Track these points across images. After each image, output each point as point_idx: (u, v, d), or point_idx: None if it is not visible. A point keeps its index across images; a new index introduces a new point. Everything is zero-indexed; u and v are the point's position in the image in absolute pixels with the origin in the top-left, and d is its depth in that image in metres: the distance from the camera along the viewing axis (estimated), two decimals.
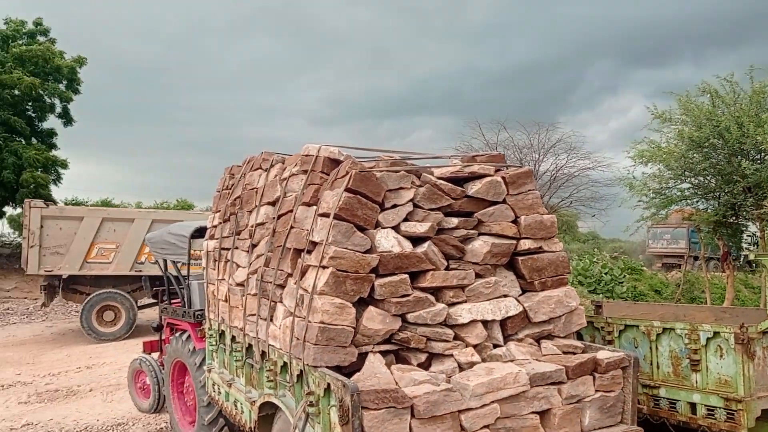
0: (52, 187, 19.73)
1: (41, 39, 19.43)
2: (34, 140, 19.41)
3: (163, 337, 7.82)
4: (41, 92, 18.71)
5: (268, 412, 4.31)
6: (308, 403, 3.38)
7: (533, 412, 3.42)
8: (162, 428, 7.19)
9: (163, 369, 7.23)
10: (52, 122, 20.25)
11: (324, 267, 3.44)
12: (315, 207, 3.73)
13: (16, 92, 16.78)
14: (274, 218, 4.27)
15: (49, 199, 20.32)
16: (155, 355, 7.91)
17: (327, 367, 3.32)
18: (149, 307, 14.98)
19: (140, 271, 13.33)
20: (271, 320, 4.08)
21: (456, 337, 3.65)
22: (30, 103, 18.81)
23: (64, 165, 19.83)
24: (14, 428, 7.53)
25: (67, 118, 20.17)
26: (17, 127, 17.81)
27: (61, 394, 9.10)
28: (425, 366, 3.57)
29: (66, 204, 23.76)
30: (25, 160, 17.50)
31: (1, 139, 18.23)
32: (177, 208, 26.74)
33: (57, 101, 19.69)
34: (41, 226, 12.43)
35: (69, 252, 12.68)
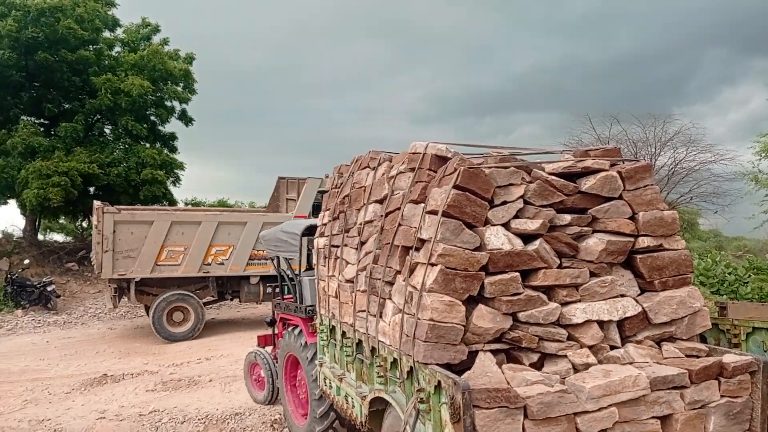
0: (172, 188, 20.85)
1: (156, 40, 20.49)
2: (157, 144, 20.60)
3: (276, 332, 8.10)
4: (161, 96, 19.80)
5: (378, 408, 4.36)
6: (419, 399, 3.39)
7: (654, 417, 3.25)
8: (276, 419, 7.45)
9: (277, 362, 7.49)
10: (173, 125, 21.40)
11: (433, 264, 3.43)
12: (423, 204, 3.73)
13: (132, 97, 17.66)
14: (382, 216, 4.30)
15: (169, 200, 21.59)
16: (269, 348, 8.21)
17: (437, 364, 3.31)
18: (211, 304, 15.68)
19: (207, 272, 13.76)
20: (381, 317, 4.12)
21: (570, 338, 3.54)
22: (152, 109, 19.93)
23: (181, 167, 20.89)
24: (143, 414, 8.05)
25: (186, 118, 21.24)
26: (139, 133, 18.89)
27: (184, 383, 9.63)
28: (537, 366, 3.49)
29: (186, 204, 25.17)
30: (142, 158, 18.52)
31: (125, 145, 19.50)
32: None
33: (176, 103, 20.74)
34: (114, 231, 12.74)
35: (140, 255, 12.99)
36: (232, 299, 15.42)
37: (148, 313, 14.11)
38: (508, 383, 3.17)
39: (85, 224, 17.40)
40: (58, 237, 24.19)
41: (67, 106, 18.70)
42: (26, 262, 18.55)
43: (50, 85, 18.22)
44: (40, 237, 20.77)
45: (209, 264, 13.65)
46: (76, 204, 16.90)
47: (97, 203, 13.21)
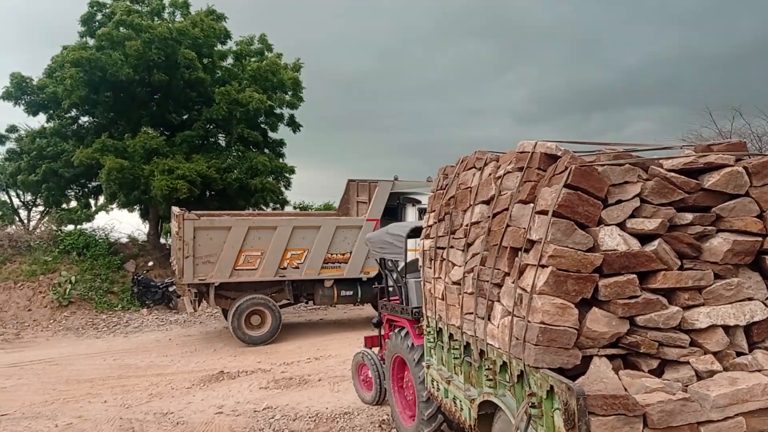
0: (284, 191, 21.63)
1: (269, 55, 21.34)
2: (267, 151, 21.44)
3: (383, 333, 8.18)
4: (271, 104, 20.60)
5: (487, 411, 4.30)
6: (530, 404, 3.31)
7: None
8: (384, 420, 7.52)
9: (384, 363, 7.56)
10: (281, 132, 22.19)
11: (543, 266, 3.35)
12: (532, 204, 3.64)
13: (247, 108, 18.47)
14: (489, 217, 4.24)
15: (282, 203, 22.37)
16: (376, 349, 8.30)
17: (549, 368, 3.22)
18: (285, 307, 15.60)
19: (283, 276, 13.84)
20: (489, 319, 4.06)
21: (692, 343, 3.34)
22: (263, 117, 20.76)
23: (291, 171, 21.62)
24: (257, 410, 8.37)
25: (294, 125, 21.98)
26: (254, 140, 19.75)
27: (294, 382, 9.92)
28: (657, 373, 3.32)
29: (294, 207, 25.98)
30: (254, 164, 19.32)
31: (238, 151, 20.41)
32: None
33: (285, 111, 21.51)
34: (194, 237, 13.04)
35: (219, 261, 13.20)
36: (306, 302, 15.58)
37: (226, 317, 14.47)
38: (626, 390, 3.04)
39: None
40: None
41: (185, 117, 19.85)
42: (150, 264, 19.82)
43: (170, 98, 19.40)
44: (162, 240, 22.09)
45: (285, 268, 13.82)
46: (197, 205, 17.85)
47: (176, 210, 13.64)
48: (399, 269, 7.62)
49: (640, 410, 2.87)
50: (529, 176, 3.79)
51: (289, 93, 20.83)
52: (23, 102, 19.08)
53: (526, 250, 3.58)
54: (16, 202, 22.57)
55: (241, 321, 13.43)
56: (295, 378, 10.13)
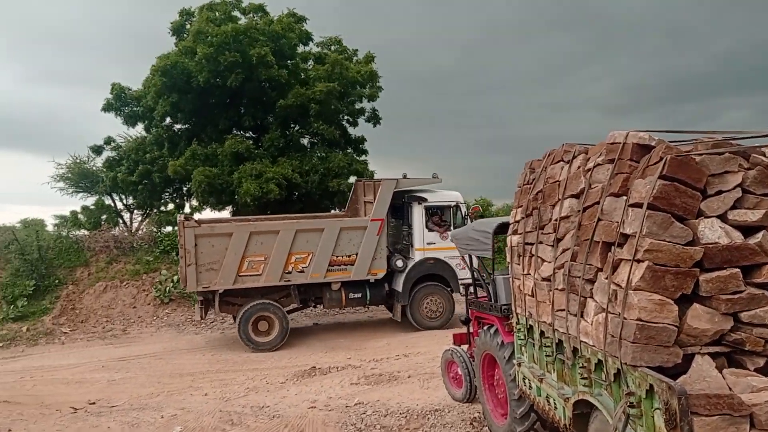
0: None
1: (346, 54, 21.50)
2: (348, 149, 21.63)
3: (471, 330, 8.14)
4: (350, 100, 20.75)
5: (583, 410, 4.21)
6: (628, 404, 3.22)
7: None
8: (475, 417, 7.48)
9: (473, 360, 7.52)
10: (362, 128, 22.32)
11: (639, 261, 3.24)
12: (624, 197, 3.53)
13: (319, 100, 18.57)
14: (579, 211, 4.15)
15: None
16: (465, 346, 8.27)
17: (648, 367, 3.12)
18: (294, 312, 15.40)
19: (288, 280, 13.53)
20: (582, 316, 3.97)
21: None
22: (341, 112, 20.91)
23: (370, 175, 21.66)
24: (349, 405, 8.52)
25: (375, 118, 22.08)
26: (331, 137, 19.88)
27: (384, 378, 10.02)
28: (764, 372, 3.15)
29: None
30: (333, 166, 19.49)
31: (321, 152, 20.70)
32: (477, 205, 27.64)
33: (366, 104, 21.61)
34: (195, 245, 12.88)
35: (222, 267, 13.02)
36: (314, 306, 15.29)
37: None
38: (731, 389, 2.91)
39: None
40: None
41: (269, 119, 20.32)
42: None
43: (251, 101, 19.91)
44: None
45: (290, 272, 13.54)
46: (283, 208, 18.26)
47: (179, 217, 13.68)
48: (486, 266, 7.55)
49: (746, 410, 2.75)
50: (621, 168, 3.68)
51: (367, 87, 20.90)
52: (122, 113, 20.13)
53: (620, 245, 3.48)
54: (119, 205, 23.89)
55: (247, 327, 13.28)
56: (385, 374, 10.23)
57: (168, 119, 20.21)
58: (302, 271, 13.58)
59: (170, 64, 17.83)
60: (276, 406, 8.70)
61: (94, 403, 9.33)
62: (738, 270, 3.16)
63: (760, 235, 3.20)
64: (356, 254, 13.83)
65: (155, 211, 22.70)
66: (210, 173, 17.94)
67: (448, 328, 13.81)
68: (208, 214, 21.95)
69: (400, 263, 14.23)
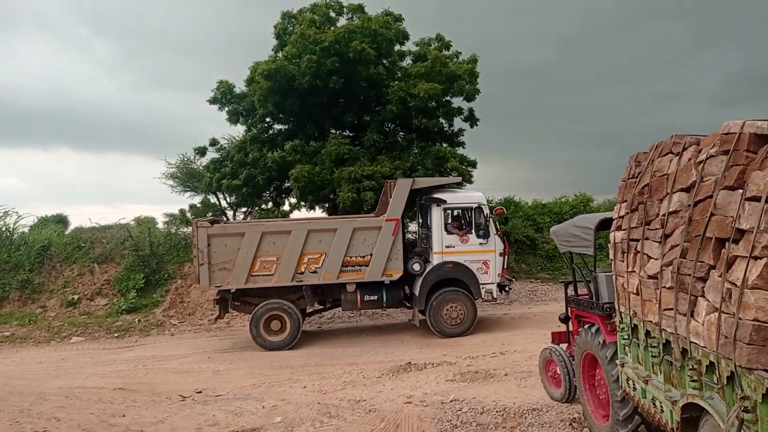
0: (467, 184, 21.61)
1: (446, 53, 21.40)
2: (445, 144, 21.56)
3: (571, 329, 7.94)
4: (448, 98, 20.65)
5: (692, 414, 4.01)
6: (742, 408, 3.05)
7: None
8: (575, 418, 7.29)
9: (573, 360, 7.33)
10: (458, 125, 22.18)
11: (756, 258, 3.06)
12: (740, 190, 3.34)
13: (421, 98, 18.56)
14: (689, 205, 3.96)
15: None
16: (564, 345, 8.08)
17: (765, 370, 2.94)
18: (316, 314, 15.38)
19: (300, 281, 13.43)
20: (692, 315, 3.79)
21: None
22: (440, 110, 20.86)
23: (473, 164, 21.52)
24: (444, 402, 8.52)
25: (472, 119, 21.89)
26: (431, 130, 19.83)
27: (480, 375, 9.95)
28: None
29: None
30: (440, 152, 19.43)
31: (419, 148, 20.73)
32: (575, 202, 26.86)
33: (463, 103, 21.45)
34: (208, 244, 13.07)
35: (235, 267, 13.16)
36: (331, 307, 15.20)
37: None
38: None
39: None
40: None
41: (366, 118, 20.58)
42: None
43: (350, 100, 20.23)
44: None
45: (302, 273, 13.49)
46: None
47: (193, 220, 13.77)
48: (588, 263, 7.34)
49: None
50: (736, 159, 3.48)
51: (466, 84, 20.71)
52: (226, 109, 21.00)
53: (735, 241, 3.30)
54: (222, 203, 25.03)
55: (259, 327, 13.35)
56: (481, 372, 10.16)
57: (269, 119, 20.87)
58: (315, 272, 13.54)
59: (275, 69, 18.41)
60: (372, 400, 8.83)
61: (200, 392, 9.83)
62: None
63: None
64: (371, 255, 13.63)
65: (257, 208, 23.57)
66: (311, 170, 18.39)
67: (469, 335, 13.66)
68: (304, 213, 22.56)
69: (417, 267, 13.85)
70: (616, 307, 5.64)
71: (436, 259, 13.88)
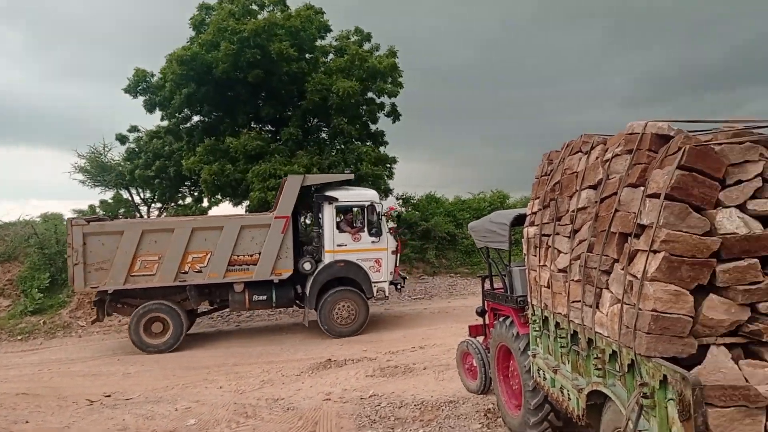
0: (387, 180, 21.70)
1: (366, 46, 21.41)
2: (368, 143, 21.60)
3: (487, 322, 8.13)
4: (371, 96, 20.69)
5: (596, 401, 4.20)
6: (642, 394, 3.21)
7: None
8: (490, 409, 7.49)
9: (489, 352, 7.52)
10: (381, 122, 22.27)
11: (655, 251, 3.22)
12: (642, 188, 3.51)
13: (340, 96, 18.49)
14: (596, 202, 4.13)
15: (386, 192, 22.38)
16: (480, 338, 8.27)
17: (662, 357, 3.10)
18: (207, 314, 15.20)
19: (184, 281, 13.01)
20: (597, 307, 3.96)
21: None
22: (362, 108, 20.86)
23: (393, 161, 21.63)
24: (363, 397, 8.56)
25: (394, 114, 21.99)
26: (351, 132, 19.79)
27: (400, 370, 10.06)
28: None
29: (397, 198, 26.11)
30: (358, 154, 19.40)
31: (340, 145, 20.68)
32: (493, 199, 27.55)
33: (385, 99, 21.53)
34: (84, 243, 12.48)
35: (113, 267, 12.64)
36: (219, 308, 14.83)
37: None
38: (747, 380, 2.88)
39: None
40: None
41: (289, 113, 20.34)
42: None
43: (270, 95, 19.93)
44: None
45: (186, 272, 13.02)
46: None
47: (67, 217, 13.31)
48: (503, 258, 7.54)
49: (762, 401, 2.72)
50: (639, 158, 3.66)
51: (388, 81, 20.81)
52: (142, 99, 20.28)
53: (637, 236, 3.46)
54: (136, 199, 24.18)
55: (139, 329, 12.83)
56: (401, 366, 10.27)
57: (186, 110, 20.31)
58: (200, 271, 13.07)
59: (189, 55, 17.91)
60: (291, 399, 8.77)
61: (109, 396, 9.49)
62: (756, 260, 3.12)
63: None
64: (259, 253, 13.26)
65: (173, 204, 22.90)
66: (221, 170, 17.98)
67: (389, 330, 13.80)
68: (225, 208, 22.06)
69: (307, 265, 13.62)
70: (529, 300, 5.82)
71: (327, 258, 13.68)
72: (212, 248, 13.12)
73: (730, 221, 3.16)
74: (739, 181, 3.22)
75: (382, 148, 21.72)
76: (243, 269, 13.32)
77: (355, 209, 14.30)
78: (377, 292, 13.88)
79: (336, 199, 13.87)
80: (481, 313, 8.18)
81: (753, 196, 3.22)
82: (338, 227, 13.90)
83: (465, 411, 7.59)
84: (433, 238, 23.70)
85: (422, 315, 16.17)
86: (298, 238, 14.37)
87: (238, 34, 17.54)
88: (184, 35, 22.10)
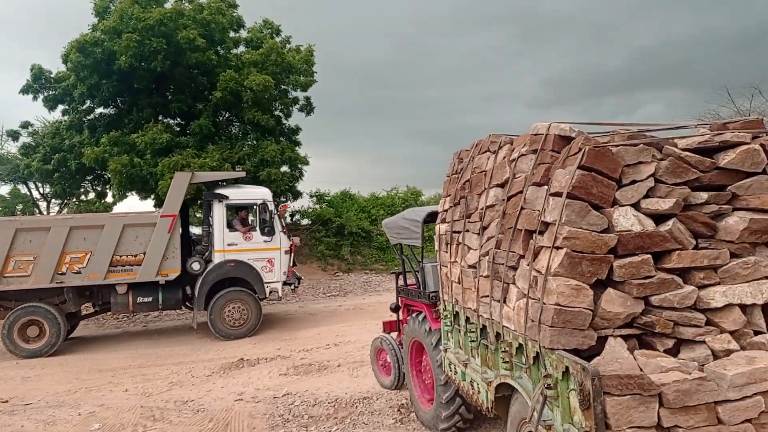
0: (297, 181, 21.52)
1: (277, 39, 21.16)
2: (282, 139, 21.36)
3: (401, 318, 8.22)
4: (284, 89, 20.46)
5: (504, 393, 4.33)
6: (546, 385, 3.33)
7: None
8: (403, 404, 7.58)
9: (402, 348, 7.61)
10: (296, 118, 22.08)
11: (558, 248, 3.35)
12: (546, 187, 3.64)
13: (254, 91, 18.17)
14: (503, 200, 4.25)
15: (294, 194, 22.15)
16: (394, 334, 8.34)
17: (564, 349, 3.24)
18: (91, 317, 14.74)
19: (61, 282, 12.47)
20: (505, 302, 4.08)
21: (708, 323, 3.33)
22: (276, 103, 20.60)
23: (304, 162, 21.46)
24: (277, 396, 8.47)
25: (308, 107, 21.82)
26: (266, 124, 19.44)
27: (314, 368, 10.02)
28: (673, 353, 3.31)
29: (311, 196, 25.99)
30: (266, 156, 19.07)
31: (253, 140, 20.33)
32: (407, 195, 27.93)
33: (299, 93, 21.34)
34: None
35: None
36: (101, 311, 14.21)
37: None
38: (641, 370, 3.04)
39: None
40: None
41: (199, 106, 19.79)
42: None
43: (179, 87, 19.33)
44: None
45: (64, 273, 12.44)
46: None
47: None
48: (416, 254, 7.64)
49: (655, 389, 2.88)
50: (543, 158, 3.79)
51: (301, 75, 20.64)
52: (42, 96, 19.21)
53: (541, 233, 3.59)
54: (35, 194, 22.91)
55: (12, 333, 12.20)
56: (315, 364, 10.23)
57: (88, 102, 19.40)
58: (78, 272, 12.53)
59: (90, 42, 17.10)
60: (201, 400, 8.56)
61: (6, 401, 8.96)
62: (649, 256, 3.31)
63: (670, 222, 3.35)
64: (143, 253, 12.80)
65: (74, 200, 21.86)
66: (127, 163, 17.31)
67: (303, 328, 13.76)
68: (131, 203, 21.33)
69: (196, 266, 13.30)
70: (441, 295, 5.92)
71: (217, 258, 13.34)
72: (92, 248, 12.54)
73: (626, 219, 3.33)
74: (634, 181, 3.40)
75: (297, 148, 21.54)
76: (126, 270, 12.80)
77: (246, 207, 13.97)
78: (270, 292, 13.63)
79: (226, 197, 13.50)
80: (395, 309, 8.26)
81: (646, 195, 3.40)
82: (230, 226, 13.52)
83: (379, 407, 7.66)
84: (347, 234, 23.74)
85: (337, 312, 16.19)
86: (188, 238, 13.98)
87: (143, 22, 16.88)
88: (88, 20, 21.10)
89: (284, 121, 21.48)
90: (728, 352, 3.22)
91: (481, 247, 4.59)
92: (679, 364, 3.10)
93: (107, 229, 12.64)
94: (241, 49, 21.04)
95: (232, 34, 20.51)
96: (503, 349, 4.07)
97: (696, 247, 3.38)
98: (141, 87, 18.61)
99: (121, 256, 12.71)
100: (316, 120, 21.98)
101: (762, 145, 3.47)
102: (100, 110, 19.97)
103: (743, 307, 3.36)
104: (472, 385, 4.98)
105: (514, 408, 4.17)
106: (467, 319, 4.99)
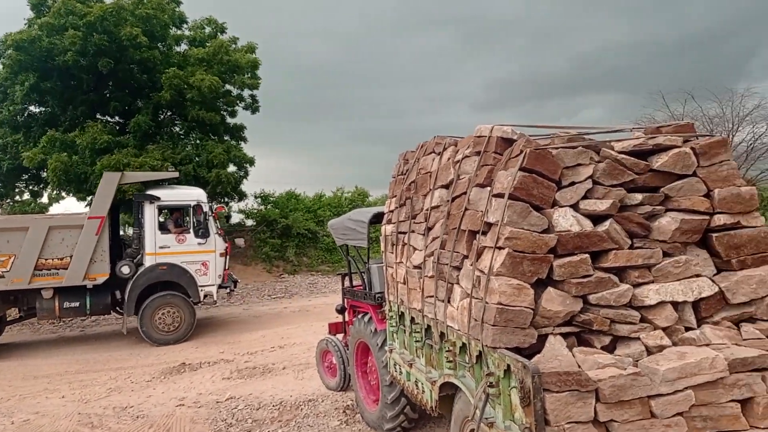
0: (241, 182, 21.24)
1: (223, 37, 20.85)
2: (226, 138, 21.05)
3: (347, 319, 8.22)
4: (229, 89, 20.17)
5: (448, 393, 4.37)
6: (488, 384, 3.39)
7: (733, 401, 3.14)
8: (348, 405, 7.57)
9: (348, 349, 7.61)
10: (241, 116, 21.77)
11: (500, 248, 3.41)
12: (489, 188, 3.70)
13: (202, 92, 17.85)
14: (448, 201, 4.30)
15: (240, 195, 21.84)
16: (340, 336, 8.34)
17: (506, 348, 3.30)
18: (16, 323, 14.14)
19: None
20: (449, 302, 4.13)
21: (643, 320, 3.45)
22: (221, 101, 20.28)
23: (251, 162, 21.22)
24: (220, 401, 8.33)
25: (254, 105, 21.54)
26: (211, 121, 19.05)
27: (258, 371, 9.90)
28: (609, 349, 3.42)
29: (256, 197, 25.68)
30: (211, 157, 18.74)
31: (196, 140, 19.97)
32: (353, 196, 27.90)
33: (245, 92, 21.06)
34: None
35: None
36: (27, 317, 13.59)
37: None
38: (579, 366, 3.13)
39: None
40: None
41: (140, 104, 19.31)
42: None
43: (119, 84, 18.83)
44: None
45: None
46: None
47: None
48: (362, 255, 7.65)
49: (592, 386, 2.96)
50: (486, 160, 3.86)
51: (247, 75, 20.40)
52: None
53: (484, 233, 3.65)
54: None
55: None
56: (259, 367, 10.11)
57: (26, 102, 18.71)
58: (2, 276, 12.00)
59: (27, 40, 16.48)
60: (140, 406, 8.35)
61: None
62: (587, 255, 3.41)
63: (607, 223, 3.46)
64: (70, 257, 12.32)
65: (8, 201, 21.04)
66: (67, 161, 16.74)
67: (248, 331, 13.56)
68: (68, 204, 20.69)
69: (126, 269, 12.81)
70: (386, 296, 5.94)
71: (148, 261, 12.95)
72: (16, 251, 12.00)
73: (565, 219, 3.42)
74: (573, 183, 3.50)
75: (242, 145, 21.26)
76: (52, 274, 12.25)
77: (179, 209, 13.56)
78: (205, 296, 13.29)
79: (158, 198, 13.10)
80: (341, 310, 8.25)
81: (584, 197, 3.51)
82: (161, 228, 13.16)
83: (324, 409, 7.62)
84: (293, 235, 23.57)
85: (282, 314, 16.04)
86: (118, 240, 13.52)
87: (84, 18, 16.37)
88: (23, 14, 20.36)
89: (228, 120, 21.17)
90: (661, 348, 3.34)
91: (426, 247, 4.63)
92: (615, 360, 3.20)
93: (32, 231, 12.14)
94: (184, 47, 20.65)
95: (174, 30, 20.11)
96: (447, 349, 4.12)
97: (631, 247, 3.50)
98: (79, 85, 18.05)
99: (46, 260, 12.19)
100: (261, 120, 21.83)
101: (692, 148, 3.62)
102: (32, 108, 19.26)
103: (675, 304, 3.50)
104: (416, 385, 5.01)
105: (457, 407, 4.22)
106: (412, 320, 5.03)
